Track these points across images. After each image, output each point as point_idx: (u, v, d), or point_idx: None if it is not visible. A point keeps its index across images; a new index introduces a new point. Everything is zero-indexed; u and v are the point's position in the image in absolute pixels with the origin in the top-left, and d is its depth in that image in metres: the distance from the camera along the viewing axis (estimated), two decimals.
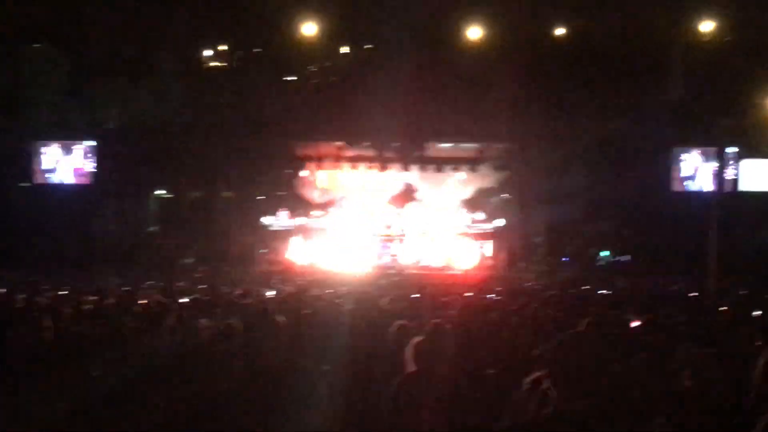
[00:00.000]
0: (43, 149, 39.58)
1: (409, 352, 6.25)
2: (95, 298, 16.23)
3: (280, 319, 8.66)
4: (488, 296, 22.01)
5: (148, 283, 26.86)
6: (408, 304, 15.63)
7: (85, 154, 39.56)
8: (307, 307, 14.21)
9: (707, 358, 5.38)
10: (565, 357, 4.05)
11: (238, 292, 20.41)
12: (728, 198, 37.74)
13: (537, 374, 4.47)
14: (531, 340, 8.79)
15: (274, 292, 22.03)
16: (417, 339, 6.41)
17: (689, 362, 5.23)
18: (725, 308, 13.96)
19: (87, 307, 14.64)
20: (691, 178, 39.20)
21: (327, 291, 23.25)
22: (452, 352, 7.30)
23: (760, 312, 13.23)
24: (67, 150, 39.61)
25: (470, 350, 9.41)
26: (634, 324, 5.80)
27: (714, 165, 38.90)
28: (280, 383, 5.53)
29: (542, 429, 3.93)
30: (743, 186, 38.77)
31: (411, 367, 6.13)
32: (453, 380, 6.28)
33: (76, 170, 39.53)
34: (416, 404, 5.68)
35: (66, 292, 18.66)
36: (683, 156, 39.37)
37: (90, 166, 39.48)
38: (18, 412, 5.75)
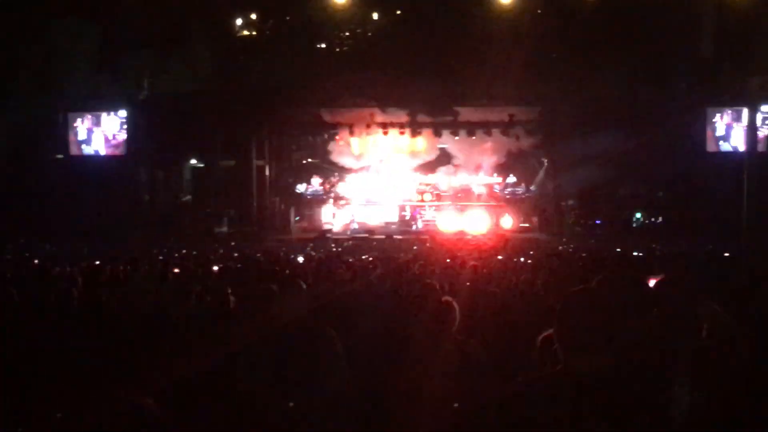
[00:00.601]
0: (76, 121, 39.78)
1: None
2: (129, 267, 16.31)
3: (304, 285, 8.72)
4: (520, 260, 22.06)
5: (183, 251, 27.11)
6: (440, 270, 15.63)
7: (118, 124, 39.70)
8: (337, 273, 14.27)
9: (727, 314, 5.39)
10: (570, 314, 4.05)
11: (270, 259, 20.57)
12: (763, 157, 37.40)
13: (548, 332, 4.49)
14: (556, 299, 8.80)
15: (302, 259, 22.14)
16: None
17: (708, 318, 5.24)
18: (755, 266, 13.88)
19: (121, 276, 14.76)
20: (725, 138, 38.77)
21: (362, 257, 23.41)
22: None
23: None
24: (100, 121, 39.78)
25: (500, 310, 9.49)
26: (652, 281, 5.79)
27: (747, 124, 38.51)
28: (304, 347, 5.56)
29: (550, 387, 3.95)
30: None
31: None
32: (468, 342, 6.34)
33: (109, 141, 39.72)
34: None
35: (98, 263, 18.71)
36: (716, 116, 38.94)
37: (123, 136, 39.63)
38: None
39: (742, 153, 37.67)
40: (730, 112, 38.75)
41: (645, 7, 36.59)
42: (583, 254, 23.06)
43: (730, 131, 38.69)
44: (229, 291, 8.95)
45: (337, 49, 41.25)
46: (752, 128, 33.84)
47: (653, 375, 4.12)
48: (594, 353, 3.80)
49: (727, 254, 21.97)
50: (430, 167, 42.83)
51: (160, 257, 22.92)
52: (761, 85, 36.56)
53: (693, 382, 4.25)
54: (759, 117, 38.11)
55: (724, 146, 38.78)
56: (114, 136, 39.66)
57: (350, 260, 20.78)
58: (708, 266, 15.47)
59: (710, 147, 38.80)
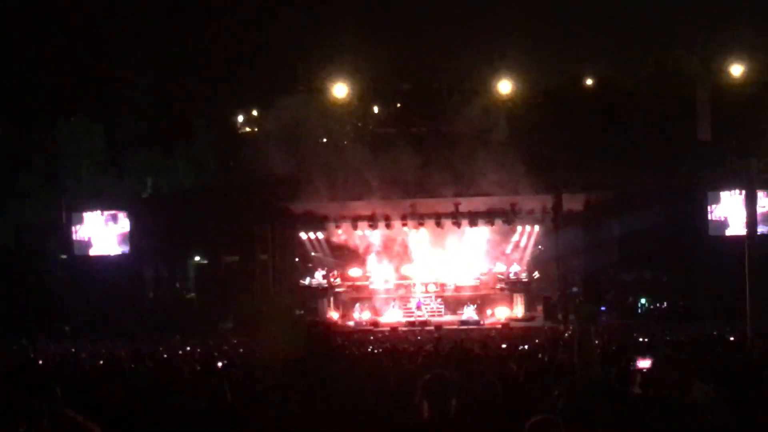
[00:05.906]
0: (80, 219, 39.78)
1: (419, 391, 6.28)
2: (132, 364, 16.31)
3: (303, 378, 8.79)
4: (525, 347, 22.00)
5: (187, 348, 27.09)
6: (443, 359, 15.58)
7: (123, 223, 39.71)
8: (338, 364, 14.24)
9: (721, 397, 5.43)
10: (573, 397, 4.39)
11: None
12: (764, 239, 37.31)
13: (536, 417, 4.65)
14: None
15: None
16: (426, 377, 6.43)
17: (701, 400, 5.28)
18: (756, 351, 13.84)
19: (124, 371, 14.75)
20: (725, 220, 38.73)
21: (369, 348, 23.37)
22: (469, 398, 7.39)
23: None
24: (105, 220, 39.81)
25: (497, 400, 9.48)
26: (643, 362, 5.87)
27: (746, 207, 38.45)
28: None
29: None
30: None
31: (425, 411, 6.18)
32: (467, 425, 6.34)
33: (112, 239, 39.69)
34: None
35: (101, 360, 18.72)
36: (716, 199, 38.94)
37: (126, 234, 39.62)
38: None
39: (741, 236, 37.56)
40: (729, 194, 38.75)
41: (642, 94, 36.93)
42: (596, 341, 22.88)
43: (730, 214, 38.67)
44: (226, 388, 8.98)
45: (339, 143, 41.56)
46: (752, 210, 33.71)
47: None
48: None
49: (732, 338, 21.90)
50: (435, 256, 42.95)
51: (165, 354, 22.89)
52: (759, 166, 36.60)
53: None
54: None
55: (724, 229, 38.76)
56: (118, 234, 39.66)
57: (356, 352, 20.75)
58: (709, 350, 15.42)
59: (712, 231, 38.76)
